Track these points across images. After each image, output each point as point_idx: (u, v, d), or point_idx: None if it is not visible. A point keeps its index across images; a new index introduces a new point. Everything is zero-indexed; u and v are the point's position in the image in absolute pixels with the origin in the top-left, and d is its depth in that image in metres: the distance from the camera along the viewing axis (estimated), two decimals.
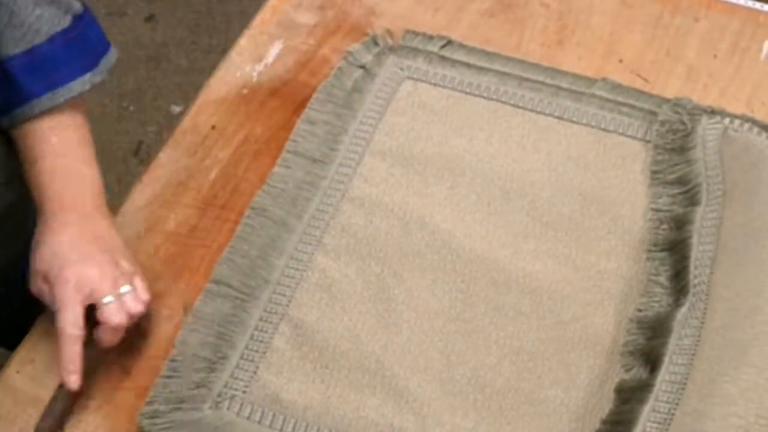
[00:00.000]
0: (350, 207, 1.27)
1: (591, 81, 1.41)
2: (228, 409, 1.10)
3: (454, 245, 1.24)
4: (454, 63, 1.42)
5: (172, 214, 1.27)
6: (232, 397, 1.11)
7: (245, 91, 1.41)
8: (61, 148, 1.16)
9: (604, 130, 1.36)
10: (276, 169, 1.30)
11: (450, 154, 1.32)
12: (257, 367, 1.13)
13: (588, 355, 1.15)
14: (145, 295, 1.14)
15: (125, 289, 1.11)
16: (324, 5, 1.50)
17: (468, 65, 1.42)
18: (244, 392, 1.12)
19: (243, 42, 1.47)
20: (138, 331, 1.16)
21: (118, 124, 2.74)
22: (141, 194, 1.29)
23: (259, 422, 1.10)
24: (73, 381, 1.08)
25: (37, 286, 1.13)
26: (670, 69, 1.46)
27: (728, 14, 1.53)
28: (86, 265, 1.11)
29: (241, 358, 1.14)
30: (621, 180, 1.31)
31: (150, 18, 3.01)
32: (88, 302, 1.10)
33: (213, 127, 1.36)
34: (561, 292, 1.20)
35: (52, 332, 1.13)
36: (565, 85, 1.40)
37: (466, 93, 1.39)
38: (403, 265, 1.22)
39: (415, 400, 1.11)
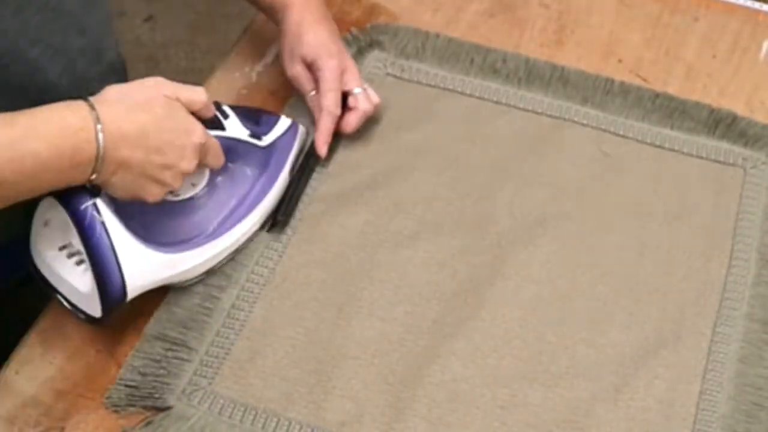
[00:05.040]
0: (319, 205, 1.28)
1: (583, 76, 1.43)
2: (194, 401, 1.10)
3: (426, 239, 1.25)
4: (438, 59, 1.44)
5: None
6: (198, 390, 1.11)
7: (244, 91, 1.41)
8: None
9: (596, 128, 1.38)
10: None
11: (430, 146, 1.35)
12: (223, 361, 1.13)
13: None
14: (376, 96, 1.34)
15: (365, 86, 1.33)
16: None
17: (450, 62, 1.44)
18: (209, 384, 1.12)
19: (242, 42, 1.47)
20: (139, 330, 1.16)
21: None
22: None
23: (229, 416, 1.10)
24: (324, 150, 1.30)
25: (295, 70, 1.32)
26: (669, 69, 1.46)
27: (727, 14, 1.53)
28: (345, 58, 1.33)
29: (207, 354, 1.14)
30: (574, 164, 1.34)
31: (149, 18, 3.01)
32: (343, 89, 1.31)
33: None
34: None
35: (51, 334, 1.15)
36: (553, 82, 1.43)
37: (449, 90, 1.41)
38: (372, 265, 1.22)
39: (367, 399, 1.11)
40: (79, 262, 1.11)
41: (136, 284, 1.10)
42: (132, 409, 1.10)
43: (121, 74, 1.28)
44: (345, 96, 1.32)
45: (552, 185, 1.31)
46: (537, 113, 1.39)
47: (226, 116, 1.19)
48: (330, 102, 1.29)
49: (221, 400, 1.10)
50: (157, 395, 1.10)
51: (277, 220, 1.25)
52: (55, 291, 1.12)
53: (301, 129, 1.31)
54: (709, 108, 1.39)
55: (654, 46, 1.49)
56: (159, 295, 1.18)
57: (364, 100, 1.32)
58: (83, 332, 1.15)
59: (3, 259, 1.24)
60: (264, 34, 1.45)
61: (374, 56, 1.44)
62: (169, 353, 1.13)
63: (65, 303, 1.12)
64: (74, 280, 1.11)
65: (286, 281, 1.20)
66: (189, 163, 1.09)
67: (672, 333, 1.18)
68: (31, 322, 1.17)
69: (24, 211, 1.10)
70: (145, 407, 1.10)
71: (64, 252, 1.12)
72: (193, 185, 1.19)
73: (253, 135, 1.22)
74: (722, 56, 1.48)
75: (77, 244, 1.07)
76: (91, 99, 1.01)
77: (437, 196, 1.29)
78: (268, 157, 1.25)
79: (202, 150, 1.10)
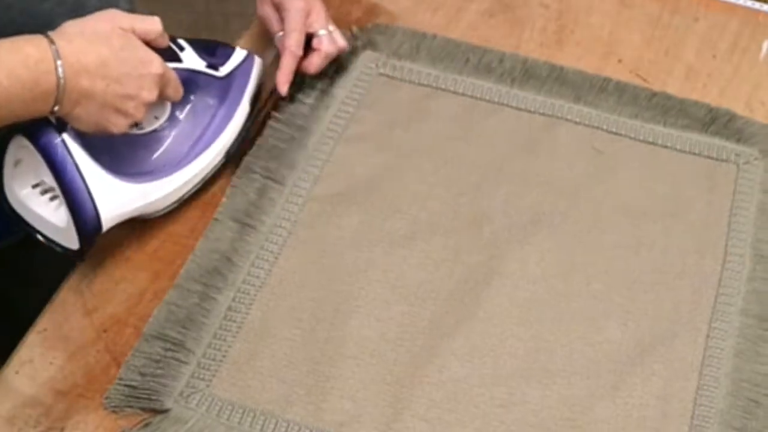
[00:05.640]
0: (314, 206, 1.28)
1: (580, 75, 1.43)
2: (192, 404, 1.10)
3: (423, 239, 1.25)
4: (431, 59, 1.44)
5: (172, 214, 1.27)
6: (196, 392, 1.11)
7: None
8: None
9: (589, 126, 1.38)
10: (238, 172, 1.31)
11: (423, 145, 1.35)
12: (221, 363, 1.14)
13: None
14: (342, 40, 1.38)
15: (331, 28, 1.36)
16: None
17: (443, 61, 1.44)
18: (207, 387, 1.12)
19: (242, 42, 1.47)
20: (139, 331, 1.16)
21: None
22: None
23: (227, 418, 1.10)
24: (284, 90, 1.33)
25: (265, 11, 1.38)
26: (669, 69, 1.46)
27: (727, 14, 1.53)
28: (313, 0, 1.35)
29: (204, 356, 1.14)
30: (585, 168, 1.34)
31: None
32: (308, 31, 1.34)
33: None
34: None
35: (51, 334, 1.15)
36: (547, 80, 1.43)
37: (442, 89, 1.41)
38: (368, 266, 1.23)
39: (365, 400, 1.11)
40: (53, 198, 1.15)
41: (109, 215, 1.14)
42: (130, 410, 1.10)
43: None
44: (310, 37, 1.36)
45: (546, 184, 1.31)
46: (530, 112, 1.39)
47: (182, 48, 1.23)
48: (292, 42, 1.33)
49: (219, 402, 1.10)
50: (155, 397, 1.10)
51: (229, 154, 1.29)
52: (32, 229, 1.15)
53: (257, 60, 1.34)
54: (708, 107, 1.39)
55: (654, 46, 1.49)
56: (159, 295, 1.19)
57: (328, 43, 1.35)
58: (83, 332, 1.16)
59: None
60: (264, 34, 1.45)
61: (367, 56, 1.44)
62: (168, 353, 1.13)
63: (42, 239, 1.15)
64: (50, 215, 1.14)
65: (282, 282, 1.21)
66: (149, 93, 1.12)
67: (668, 329, 1.18)
68: (31, 322, 1.18)
69: None
70: (143, 409, 1.10)
71: (38, 189, 1.15)
72: (156, 118, 1.23)
73: (210, 66, 1.26)
74: (722, 56, 1.48)
75: (49, 180, 1.11)
76: (50, 33, 1.04)
77: (432, 195, 1.29)
78: (226, 88, 1.29)
79: (161, 81, 1.14)
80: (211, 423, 1.09)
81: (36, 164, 1.11)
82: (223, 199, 1.27)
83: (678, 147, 1.36)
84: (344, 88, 1.40)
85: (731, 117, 1.38)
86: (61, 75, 1.02)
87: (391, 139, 1.36)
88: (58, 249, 1.15)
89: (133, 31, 1.11)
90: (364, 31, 1.48)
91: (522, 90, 1.41)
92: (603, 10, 1.54)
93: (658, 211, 1.29)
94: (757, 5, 1.55)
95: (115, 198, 1.15)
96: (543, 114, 1.39)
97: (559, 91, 1.41)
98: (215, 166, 1.28)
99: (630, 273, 1.23)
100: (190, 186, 1.25)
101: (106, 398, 1.11)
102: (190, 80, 1.23)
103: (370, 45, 1.46)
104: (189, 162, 1.24)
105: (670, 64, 1.47)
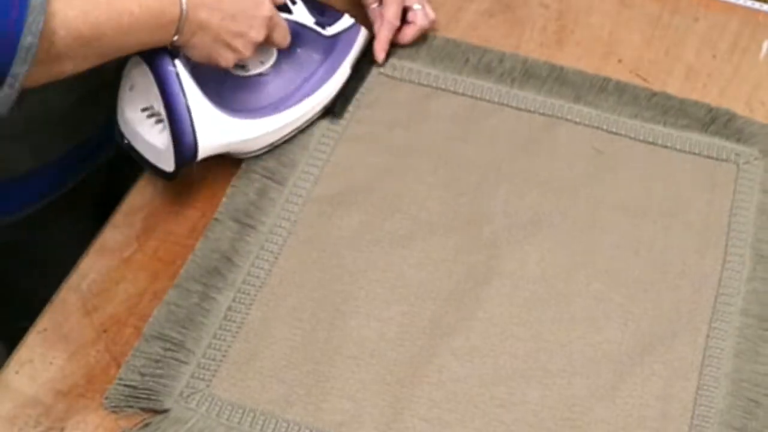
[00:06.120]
0: (314, 206, 1.29)
1: (580, 75, 1.44)
2: (192, 404, 1.10)
3: (423, 240, 1.26)
4: (431, 59, 1.45)
5: (172, 214, 1.27)
6: (196, 392, 1.11)
7: None
8: None
9: (589, 126, 1.38)
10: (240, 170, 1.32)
11: (423, 145, 1.35)
12: (221, 364, 1.14)
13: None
14: (432, 13, 1.46)
15: (424, 2, 1.45)
16: None
17: (443, 61, 1.45)
18: (207, 387, 1.12)
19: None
20: (139, 331, 1.16)
21: None
22: (140, 194, 1.29)
23: (227, 419, 1.10)
24: (382, 57, 1.43)
25: None
26: (669, 69, 1.46)
27: (727, 14, 1.53)
28: None
29: (204, 356, 1.14)
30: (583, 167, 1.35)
31: None
32: (404, 4, 1.43)
33: None
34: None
35: (51, 334, 1.15)
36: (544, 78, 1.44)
37: (442, 89, 1.42)
38: (367, 266, 1.23)
39: (365, 400, 1.12)
40: (158, 121, 1.23)
41: (207, 144, 1.22)
42: (130, 410, 1.10)
43: None
44: (405, 11, 1.44)
45: (546, 183, 1.32)
46: (530, 112, 1.39)
47: (294, 2, 1.34)
48: (391, 13, 1.42)
49: (219, 402, 1.11)
50: (154, 397, 1.10)
51: (334, 111, 1.38)
52: (133, 149, 1.24)
53: (363, 30, 1.43)
54: (708, 107, 1.40)
55: (654, 46, 1.49)
56: (159, 295, 1.19)
57: (422, 16, 1.45)
58: (83, 332, 1.16)
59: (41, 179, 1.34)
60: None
61: (367, 56, 1.44)
62: (168, 353, 1.13)
63: (141, 160, 1.24)
64: (153, 138, 1.22)
65: (282, 283, 1.21)
66: (258, 33, 1.21)
67: (668, 329, 1.18)
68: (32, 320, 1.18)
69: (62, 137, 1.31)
70: (143, 409, 1.10)
71: (146, 113, 1.23)
72: (262, 63, 1.33)
73: (318, 24, 1.36)
74: (722, 56, 1.48)
75: (158, 105, 1.20)
76: None
77: (431, 195, 1.29)
78: (331, 47, 1.38)
79: (270, 24, 1.23)
80: (211, 423, 1.09)
81: (148, 89, 1.20)
82: (223, 199, 1.28)
83: (678, 147, 1.36)
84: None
85: (731, 117, 1.38)
86: (184, 6, 1.11)
87: (390, 139, 1.36)
88: (153, 171, 1.24)
89: None
90: None
91: (522, 90, 1.41)
92: (603, 10, 1.54)
93: (658, 211, 1.29)
94: (757, 5, 1.55)
95: (215, 129, 1.22)
96: (543, 114, 1.39)
97: (559, 91, 1.41)
98: (310, 119, 1.35)
99: (630, 273, 1.23)
100: (284, 132, 1.32)
101: (106, 398, 1.11)
102: (297, 32, 1.32)
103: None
104: (285, 109, 1.31)
105: (670, 64, 1.47)
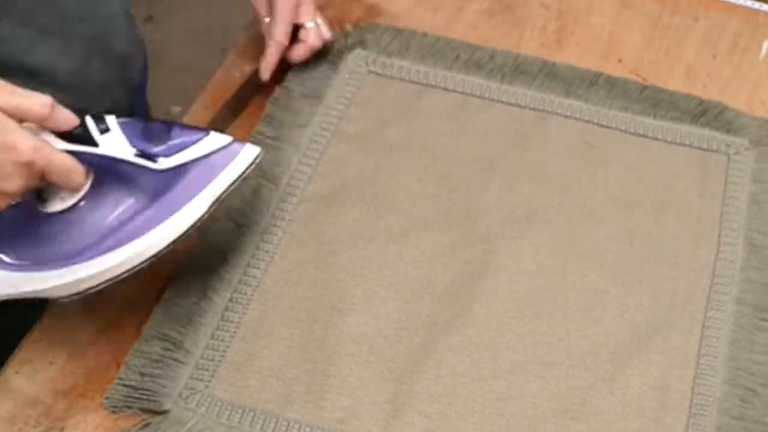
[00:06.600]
0: (309, 205, 1.29)
1: (572, 70, 1.44)
2: (191, 405, 1.11)
3: (417, 237, 1.26)
4: (421, 56, 1.45)
5: None
6: (195, 393, 1.12)
7: None
8: None
9: (580, 120, 1.39)
10: None
11: (415, 142, 1.36)
12: (219, 364, 1.14)
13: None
14: (328, 33, 1.42)
15: (319, 21, 1.40)
16: (324, 5, 1.50)
17: (433, 58, 1.45)
18: (206, 387, 1.12)
19: (243, 42, 1.48)
20: (139, 331, 1.17)
21: None
22: None
23: (227, 419, 1.10)
24: (266, 76, 1.39)
25: (258, 1, 1.40)
26: (669, 69, 1.46)
27: (727, 14, 1.54)
28: None
29: (202, 357, 1.15)
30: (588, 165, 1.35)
31: (149, 18, 3.04)
32: (296, 22, 1.38)
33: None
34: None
35: (51, 334, 1.16)
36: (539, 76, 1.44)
37: (432, 86, 1.42)
38: (363, 263, 1.23)
39: (365, 396, 1.12)
40: None
41: None
42: (130, 410, 1.11)
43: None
44: (298, 28, 1.40)
45: (538, 178, 1.32)
46: (521, 107, 1.40)
47: (105, 130, 1.04)
48: (280, 32, 1.37)
49: (219, 402, 1.11)
50: (154, 398, 1.11)
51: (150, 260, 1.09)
52: None
53: (246, 150, 1.11)
54: (698, 99, 1.40)
55: (654, 46, 1.49)
56: (159, 295, 1.19)
57: (314, 36, 1.39)
58: (83, 332, 1.17)
59: None
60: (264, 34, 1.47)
61: (356, 54, 1.45)
62: (167, 354, 1.14)
63: None
64: None
65: (278, 282, 1.21)
66: (11, 183, 0.98)
67: (664, 319, 1.18)
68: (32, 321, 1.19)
69: None
70: (142, 409, 1.11)
71: None
72: (62, 199, 1.06)
73: (144, 155, 1.06)
74: (722, 56, 1.48)
75: None
76: None
77: (424, 192, 1.30)
78: (166, 184, 1.07)
79: (32, 169, 0.98)
80: (211, 424, 1.09)
81: None
82: None
83: (668, 139, 1.36)
84: (335, 86, 1.41)
85: (721, 109, 1.38)
86: None
87: (382, 136, 1.36)
88: None
89: (7, 111, 0.97)
90: (356, 30, 1.48)
91: (512, 85, 1.42)
92: (603, 10, 1.54)
93: (651, 203, 1.30)
94: (757, 5, 1.55)
95: None
96: (534, 109, 1.39)
97: (549, 86, 1.41)
98: (117, 276, 1.08)
99: (624, 264, 1.23)
100: (96, 281, 1.07)
101: (106, 398, 1.11)
102: (107, 169, 1.05)
103: (360, 43, 1.46)
104: (89, 258, 1.06)
105: (670, 64, 1.47)
